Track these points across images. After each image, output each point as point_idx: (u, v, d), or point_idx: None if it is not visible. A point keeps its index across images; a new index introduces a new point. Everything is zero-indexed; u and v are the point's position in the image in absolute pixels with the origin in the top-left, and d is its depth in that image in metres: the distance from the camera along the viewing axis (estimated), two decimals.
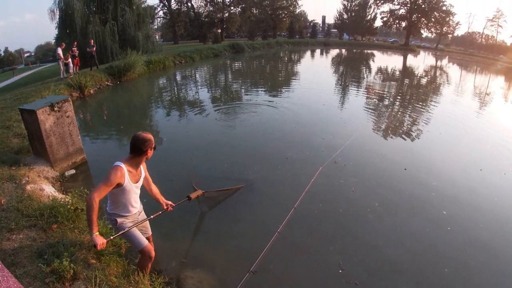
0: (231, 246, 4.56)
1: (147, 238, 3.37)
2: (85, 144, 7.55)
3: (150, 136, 2.94)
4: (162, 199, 3.51)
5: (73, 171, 6.49)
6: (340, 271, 4.09)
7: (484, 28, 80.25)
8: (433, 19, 66.49)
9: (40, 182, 5.29)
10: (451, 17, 67.12)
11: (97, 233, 2.76)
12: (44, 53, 76.65)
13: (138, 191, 3.15)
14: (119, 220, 3.06)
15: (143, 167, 3.16)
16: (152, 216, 3.34)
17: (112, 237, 3.08)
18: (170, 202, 3.52)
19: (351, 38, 78.88)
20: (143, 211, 3.38)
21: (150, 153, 2.99)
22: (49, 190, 5.07)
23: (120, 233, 3.04)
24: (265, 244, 4.05)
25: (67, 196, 4.83)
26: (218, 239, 4.67)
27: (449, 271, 4.20)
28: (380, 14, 71.98)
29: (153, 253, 3.19)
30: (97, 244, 2.70)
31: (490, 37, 79.66)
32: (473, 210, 5.77)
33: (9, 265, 3.05)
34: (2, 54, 74.91)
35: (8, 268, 2.86)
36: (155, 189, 3.47)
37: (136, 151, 2.91)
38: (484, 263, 4.43)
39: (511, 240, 4.99)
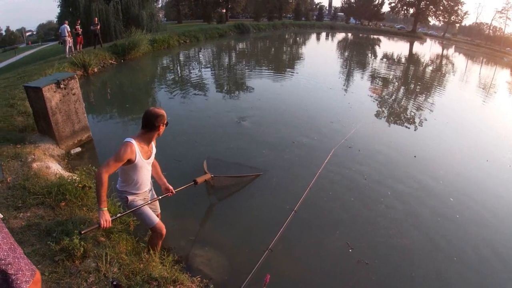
0: (241, 225, 4.56)
1: (157, 216, 3.32)
2: (90, 122, 7.46)
3: (162, 111, 2.87)
4: (163, 182, 3.37)
5: (79, 149, 6.43)
6: (350, 250, 4.12)
7: (492, 20, 78.76)
8: (441, 7, 65.46)
9: (46, 160, 5.23)
10: (459, 6, 66.02)
11: (105, 208, 2.68)
12: (46, 32, 76.10)
13: (150, 168, 3.10)
14: (130, 197, 3.01)
15: (153, 143, 3.09)
16: (159, 197, 3.28)
17: (119, 215, 3.03)
18: (171, 188, 3.35)
19: (358, 22, 77.64)
20: (153, 189, 3.34)
21: (162, 129, 2.93)
22: (56, 167, 5.02)
23: (131, 210, 3.00)
24: (279, 223, 4.03)
25: (73, 173, 4.77)
26: (227, 219, 4.65)
27: (457, 260, 4.20)
28: (388, 0, 70.61)
29: (164, 231, 3.16)
30: (100, 221, 2.63)
31: (498, 29, 78.54)
32: (480, 200, 5.76)
33: (17, 243, 3.01)
34: (4, 33, 74.33)
35: None
36: (158, 169, 3.38)
37: (148, 127, 2.83)
38: (492, 253, 4.42)
39: None
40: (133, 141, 2.80)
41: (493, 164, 7.39)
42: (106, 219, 2.65)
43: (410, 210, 5.19)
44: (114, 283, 2.35)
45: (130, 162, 2.81)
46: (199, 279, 3.21)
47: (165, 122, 2.92)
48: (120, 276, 2.79)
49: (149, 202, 3.12)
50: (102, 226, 2.63)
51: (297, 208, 4.39)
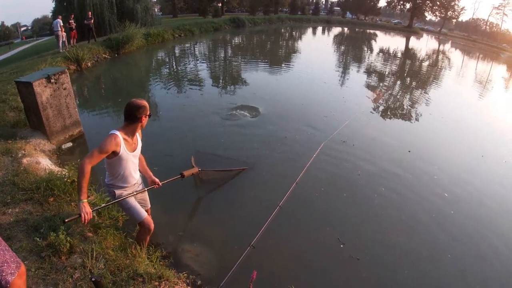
0: (229, 221, 4.53)
1: (146, 211, 3.30)
2: (82, 117, 7.44)
3: (144, 102, 2.83)
4: (149, 175, 3.34)
5: (70, 144, 6.39)
6: (341, 246, 4.11)
7: (489, 16, 78.96)
8: (438, 2, 65.25)
9: (36, 155, 5.20)
10: (456, 2, 65.78)
11: (85, 200, 2.64)
12: (41, 27, 75.26)
13: (136, 161, 3.08)
14: (117, 191, 2.99)
15: (139, 136, 3.06)
16: (144, 189, 3.25)
17: (103, 205, 3.04)
18: (157, 180, 3.32)
19: (354, 17, 77.33)
20: (142, 184, 3.31)
21: (145, 120, 2.89)
22: (46, 163, 4.99)
23: (114, 201, 2.98)
24: (265, 219, 4.02)
25: (63, 169, 4.73)
26: (216, 214, 4.63)
27: (452, 256, 4.19)
28: None
29: (152, 226, 3.14)
30: (81, 212, 2.58)
31: (494, 25, 78.67)
32: (474, 195, 5.76)
33: (4, 239, 2.97)
34: None
35: None
36: (144, 163, 3.34)
37: (130, 118, 2.80)
38: (487, 249, 4.43)
39: (509, 229, 4.97)
40: (118, 133, 2.78)
41: (488, 159, 7.40)
42: (86, 211, 2.61)
43: (404, 206, 5.19)
44: (93, 279, 2.34)
45: (115, 154, 2.78)
46: (185, 275, 3.20)
47: (148, 113, 2.87)
48: (105, 272, 2.78)
49: (134, 193, 3.09)
50: (82, 218, 2.58)
51: (282, 204, 4.37)
